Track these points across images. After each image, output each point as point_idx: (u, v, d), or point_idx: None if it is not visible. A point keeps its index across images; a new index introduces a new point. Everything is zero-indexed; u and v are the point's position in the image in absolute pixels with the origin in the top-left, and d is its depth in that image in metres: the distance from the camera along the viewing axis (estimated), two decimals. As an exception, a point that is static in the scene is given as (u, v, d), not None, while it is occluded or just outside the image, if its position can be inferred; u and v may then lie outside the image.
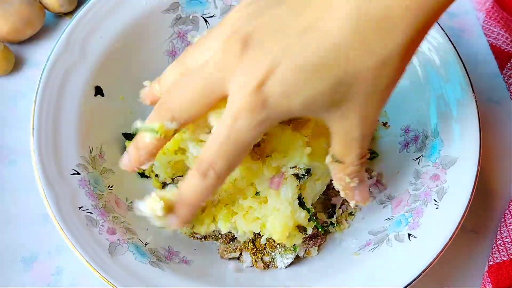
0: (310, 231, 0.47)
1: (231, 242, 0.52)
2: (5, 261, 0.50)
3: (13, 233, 0.51)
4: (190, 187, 0.39)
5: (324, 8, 0.34)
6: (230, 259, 0.51)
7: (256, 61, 0.35)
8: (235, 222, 0.46)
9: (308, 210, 0.46)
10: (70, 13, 0.62)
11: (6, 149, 0.55)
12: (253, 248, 0.50)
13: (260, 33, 0.36)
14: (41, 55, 0.60)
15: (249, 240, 0.51)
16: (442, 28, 0.53)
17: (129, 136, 0.54)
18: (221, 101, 0.38)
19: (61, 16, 0.62)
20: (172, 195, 0.40)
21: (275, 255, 0.50)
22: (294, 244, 0.48)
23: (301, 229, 0.46)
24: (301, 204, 0.45)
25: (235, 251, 0.51)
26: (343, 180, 0.41)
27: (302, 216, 0.45)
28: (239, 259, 0.51)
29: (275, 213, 0.45)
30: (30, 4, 0.58)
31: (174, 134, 0.39)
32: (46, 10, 0.61)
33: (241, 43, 0.36)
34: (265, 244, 0.50)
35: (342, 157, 0.39)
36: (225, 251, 0.51)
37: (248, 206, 0.46)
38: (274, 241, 0.49)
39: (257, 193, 0.46)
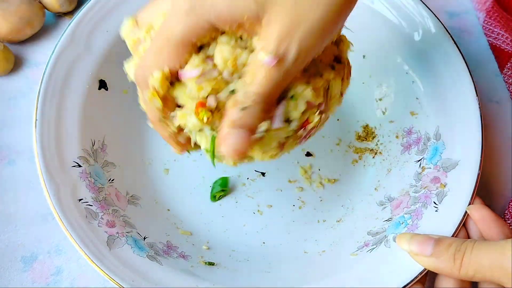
0: None
1: None
2: (5, 261, 0.50)
3: (13, 233, 0.52)
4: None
5: None
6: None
7: None
8: None
9: None
10: (70, 13, 0.62)
11: (6, 149, 0.55)
12: None
13: None
14: (41, 55, 0.60)
15: None
16: (446, 28, 0.53)
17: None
18: None
19: (61, 16, 0.62)
20: None
21: None
22: None
23: None
24: None
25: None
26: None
27: None
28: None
29: None
30: (30, 4, 0.58)
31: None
32: (46, 10, 0.61)
33: None
34: None
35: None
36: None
37: None
38: None
39: None
